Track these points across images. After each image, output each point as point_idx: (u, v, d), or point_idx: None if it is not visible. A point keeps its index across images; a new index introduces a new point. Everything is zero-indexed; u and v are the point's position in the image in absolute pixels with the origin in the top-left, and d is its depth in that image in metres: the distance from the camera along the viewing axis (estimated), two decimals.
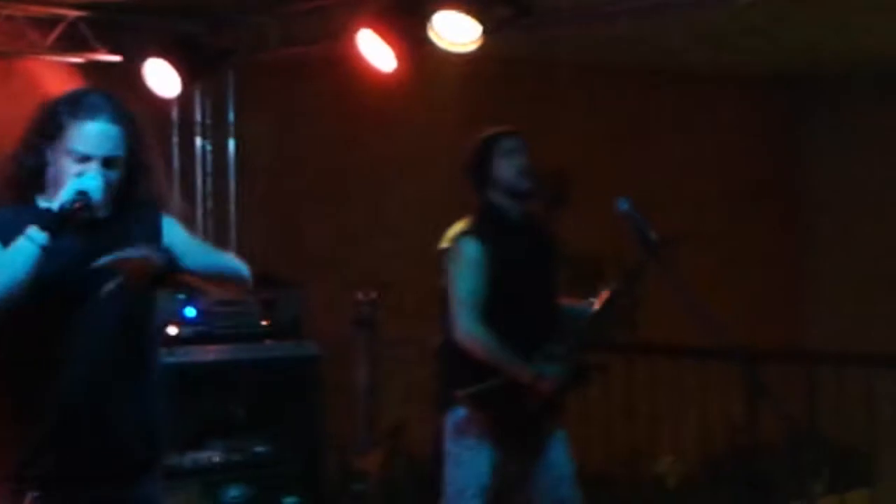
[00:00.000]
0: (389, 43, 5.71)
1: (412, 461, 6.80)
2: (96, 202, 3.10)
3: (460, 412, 4.58)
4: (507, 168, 4.66)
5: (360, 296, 6.47)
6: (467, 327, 4.50)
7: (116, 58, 6.46)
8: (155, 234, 3.28)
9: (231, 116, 7.01)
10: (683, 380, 5.88)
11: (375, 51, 5.75)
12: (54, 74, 6.70)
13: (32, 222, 3.08)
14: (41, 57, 6.56)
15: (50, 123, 3.22)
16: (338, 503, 6.40)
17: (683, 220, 7.28)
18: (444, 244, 4.72)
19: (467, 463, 4.57)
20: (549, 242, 4.80)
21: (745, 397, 5.14)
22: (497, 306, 4.52)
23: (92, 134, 3.16)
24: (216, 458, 5.99)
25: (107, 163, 3.16)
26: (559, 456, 4.70)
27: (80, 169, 3.14)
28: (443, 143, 7.32)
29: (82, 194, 3.08)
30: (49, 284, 3.08)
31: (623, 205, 3.96)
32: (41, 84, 6.67)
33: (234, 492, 5.97)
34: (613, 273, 8.24)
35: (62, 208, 3.08)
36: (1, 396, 3.21)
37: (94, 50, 6.43)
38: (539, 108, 7.68)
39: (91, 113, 3.18)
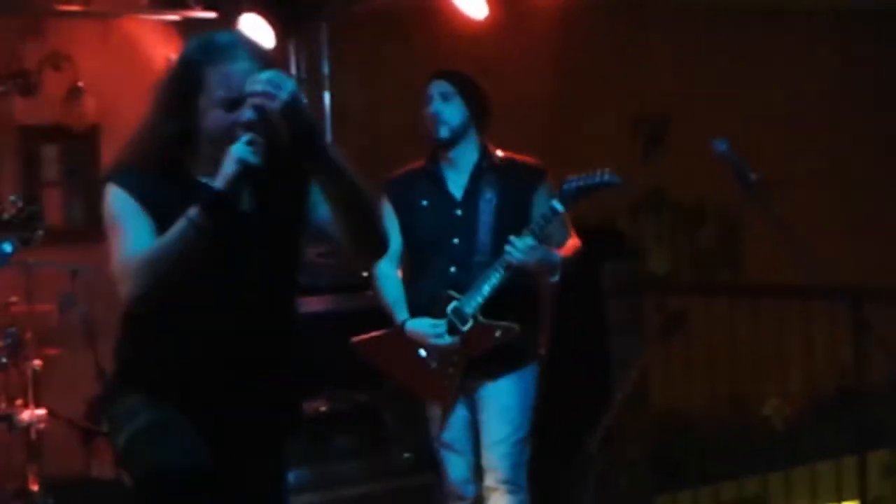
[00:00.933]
0: None
1: None
2: (258, 166, 2.82)
3: None
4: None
5: None
6: (374, 271, 4.49)
7: (212, 14, 6.52)
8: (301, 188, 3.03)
9: (325, 69, 7.03)
10: (788, 321, 5.81)
11: None
12: (151, 33, 6.79)
13: (187, 196, 2.84)
14: (138, 16, 6.64)
15: (186, 79, 2.93)
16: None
17: (785, 160, 7.17)
18: None
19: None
20: (496, 188, 4.43)
21: (852, 337, 5.07)
22: (410, 254, 4.47)
23: (236, 74, 2.89)
24: (322, 408, 6.06)
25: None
26: (487, 415, 4.45)
27: (233, 117, 2.88)
28: (536, 89, 7.29)
29: (243, 164, 2.81)
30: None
31: (720, 146, 3.90)
32: (139, 44, 6.77)
33: (340, 441, 6.04)
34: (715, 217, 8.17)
35: (226, 187, 2.81)
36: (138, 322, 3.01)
37: (189, 7, 6.49)
38: (633, 51, 7.59)
39: (229, 53, 2.92)
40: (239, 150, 2.82)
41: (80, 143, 6.66)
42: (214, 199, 2.81)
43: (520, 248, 4.20)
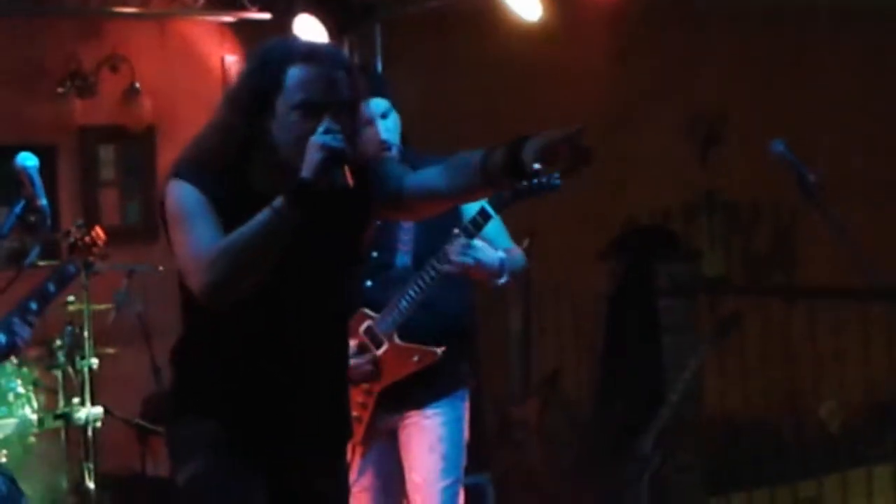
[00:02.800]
0: None
1: (568, 408, 6.81)
2: (344, 152, 2.66)
3: None
4: None
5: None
6: None
7: (266, 15, 6.55)
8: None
9: (379, 69, 7.04)
10: (845, 323, 5.76)
11: None
12: (207, 34, 6.84)
13: (241, 205, 2.70)
14: (193, 17, 6.69)
15: (264, 77, 2.76)
16: (497, 451, 6.45)
17: (846, 164, 7.08)
18: None
19: None
20: None
21: None
22: None
23: (319, 79, 2.74)
24: None
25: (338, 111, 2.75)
26: (412, 453, 3.88)
27: (309, 126, 2.71)
28: (591, 89, 7.26)
29: (328, 150, 2.65)
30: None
31: (778, 146, 3.86)
32: (195, 45, 6.82)
33: None
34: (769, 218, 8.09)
35: (313, 176, 2.65)
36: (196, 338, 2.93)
37: (244, 8, 6.53)
38: (687, 49, 7.53)
39: (312, 56, 2.77)
40: (321, 138, 2.66)
41: (136, 143, 6.72)
42: (301, 189, 2.65)
43: (454, 250, 3.67)
